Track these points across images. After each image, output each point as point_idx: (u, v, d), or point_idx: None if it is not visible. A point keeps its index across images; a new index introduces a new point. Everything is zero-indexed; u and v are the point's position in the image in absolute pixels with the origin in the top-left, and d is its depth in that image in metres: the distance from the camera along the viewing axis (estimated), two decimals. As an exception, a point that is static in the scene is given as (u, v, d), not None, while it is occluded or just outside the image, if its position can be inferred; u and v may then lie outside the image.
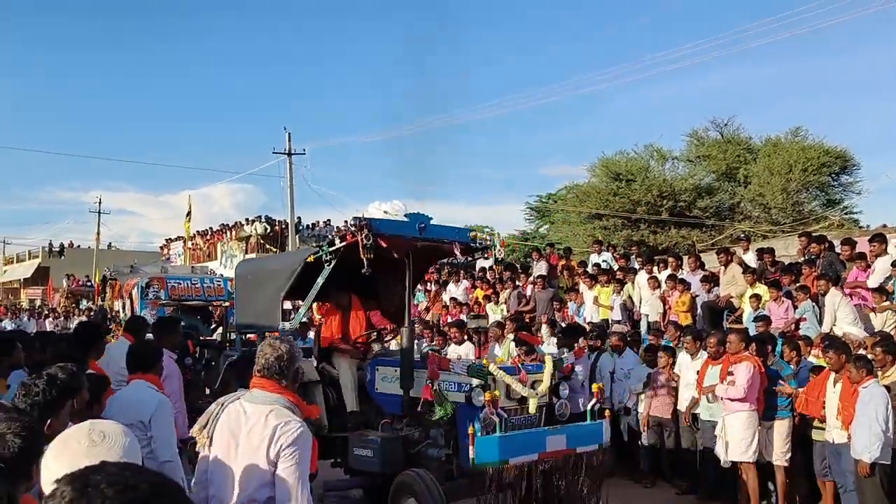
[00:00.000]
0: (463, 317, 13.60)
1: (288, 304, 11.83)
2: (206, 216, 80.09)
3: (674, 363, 8.95)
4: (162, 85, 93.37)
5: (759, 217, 23.90)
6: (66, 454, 2.05)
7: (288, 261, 8.41)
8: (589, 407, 6.65)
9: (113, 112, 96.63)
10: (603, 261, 14.45)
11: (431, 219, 7.10)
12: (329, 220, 35.92)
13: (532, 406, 6.43)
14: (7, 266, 56.43)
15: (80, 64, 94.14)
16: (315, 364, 7.40)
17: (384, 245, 6.61)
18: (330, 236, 7.51)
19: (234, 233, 35.95)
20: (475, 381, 6.24)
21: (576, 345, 8.77)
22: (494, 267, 16.45)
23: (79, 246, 51.11)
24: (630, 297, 12.46)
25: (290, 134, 30.73)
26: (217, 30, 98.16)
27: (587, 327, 11.20)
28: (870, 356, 6.94)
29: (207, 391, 10.07)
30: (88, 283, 35.92)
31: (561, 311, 13.01)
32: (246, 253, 32.61)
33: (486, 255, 8.52)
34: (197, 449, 3.31)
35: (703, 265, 12.57)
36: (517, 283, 14.57)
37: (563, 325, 11.39)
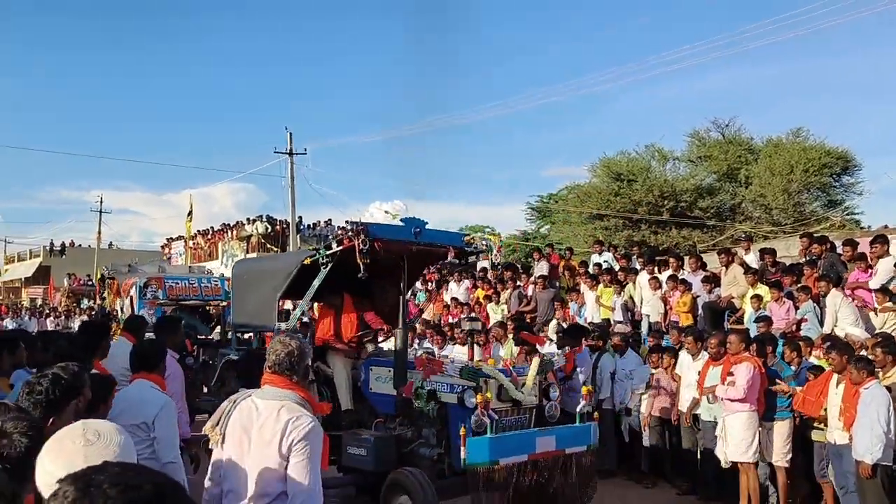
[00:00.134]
0: (462, 317, 13.60)
1: (289, 304, 11.87)
2: (208, 215, 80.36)
3: (675, 364, 8.96)
4: (163, 85, 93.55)
5: (761, 217, 23.90)
6: (63, 454, 2.05)
7: (284, 262, 8.51)
8: (578, 409, 6.80)
9: (114, 112, 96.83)
10: (604, 261, 14.45)
11: (427, 223, 7.25)
12: (330, 219, 36.03)
13: (523, 406, 6.62)
14: (8, 265, 56.51)
15: (81, 64, 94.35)
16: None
17: (380, 249, 6.77)
18: (329, 239, 7.62)
19: (235, 232, 35.98)
20: (467, 383, 6.40)
21: (566, 346, 8.84)
22: (492, 270, 16.48)
23: (80, 245, 51.19)
24: (631, 297, 12.46)
25: (291, 134, 30.75)
26: (218, 30, 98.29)
27: (589, 328, 11.20)
28: (870, 357, 6.93)
29: (205, 389, 10.13)
30: (89, 283, 35.96)
31: (562, 311, 13.00)
32: (247, 252, 32.62)
33: (481, 259, 8.71)
34: (210, 446, 3.34)
35: (704, 266, 12.55)
36: (518, 283, 14.57)
37: (564, 325, 11.39)
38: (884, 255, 9.54)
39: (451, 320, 13.87)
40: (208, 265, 29.04)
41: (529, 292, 14.09)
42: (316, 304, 8.43)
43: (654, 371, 9.14)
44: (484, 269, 16.94)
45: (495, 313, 13.69)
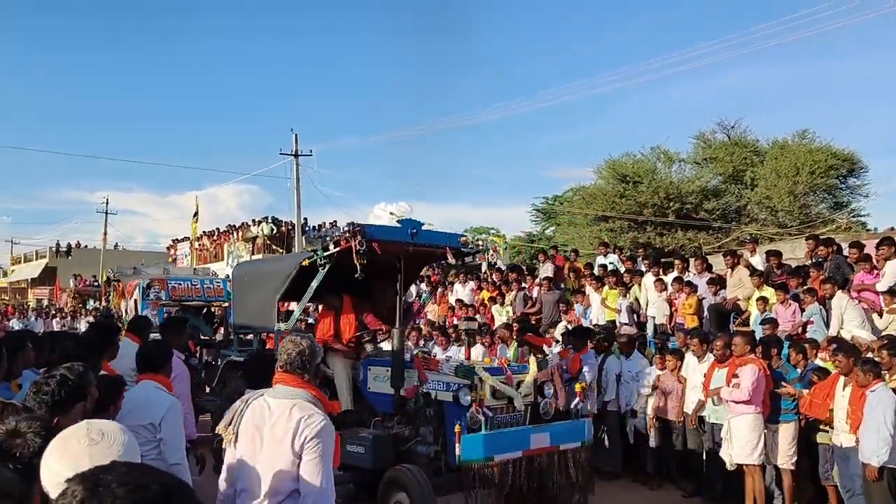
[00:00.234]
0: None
1: (293, 306, 11.89)
2: (213, 217, 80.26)
3: (681, 366, 8.94)
4: (168, 85, 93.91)
5: (766, 219, 23.82)
6: (67, 453, 2.06)
7: (284, 264, 8.64)
8: (572, 406, 6.94)
9: (120, 113, 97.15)
10: (609, 263, 14.45)
11: (423, 224, 7.37)
12: (335, 221, 36.08)
13: (517, 405, 6.74)
14: (15, 266, 56.77)
15: (84, 64, 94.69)
16: None
17: (377, 250, 6.84)
18: (327, 241, 7.71)
19: (240, 233, 36.05)
20: (463, 381, 6.53)
21: (570, 348, 8.87)
22: (488, 270, 16.44)
23: (86, 246, 51.39)
24: (636, 299, 12.44)
25: (296, 135, 30.87)
26: (224, 30, 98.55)
27: (594, 330, 11.18)
28: (877, 359, 6.91)
29: (207, 389, 10.20)
30: (95, 284, 36.11)
31: (567, 312, 13.00)
32: (252, 254, 32.70)
33: (478, 259, 8.78)
34: (223, 445, 3.36)
35: (709, 267, 12.53)
36: (523, 284, 14.57)
37: (569, 327, 11.39)
38: (891, 258, 9.51)
39: (455, 322, 13.87)
40: (214, 266, 29.11)
41: (534, 294, 14.09)
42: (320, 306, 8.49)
43: (659, 373, 9.13)
44: (492, 270, 16.94)
45: (500, 315, 13.69)
